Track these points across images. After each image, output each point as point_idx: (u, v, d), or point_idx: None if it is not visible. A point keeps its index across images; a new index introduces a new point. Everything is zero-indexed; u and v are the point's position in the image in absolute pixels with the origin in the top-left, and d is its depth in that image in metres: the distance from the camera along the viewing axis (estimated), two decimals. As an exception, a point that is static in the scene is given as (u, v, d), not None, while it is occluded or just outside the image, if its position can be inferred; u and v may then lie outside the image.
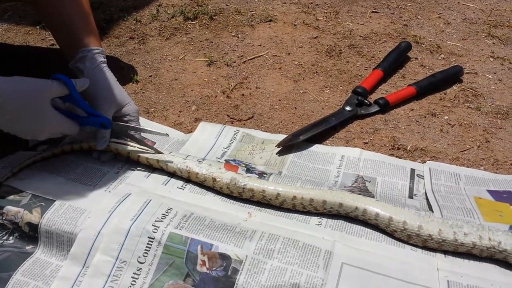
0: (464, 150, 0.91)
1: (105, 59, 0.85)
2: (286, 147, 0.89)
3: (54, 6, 0.85)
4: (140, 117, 0.97)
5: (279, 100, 1.05)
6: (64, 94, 0.74)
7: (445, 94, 1.06)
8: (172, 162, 0.77)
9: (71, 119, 0.75)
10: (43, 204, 0.70)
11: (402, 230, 0.66)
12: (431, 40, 1.26)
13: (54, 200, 0.71)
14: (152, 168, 0.79)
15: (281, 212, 0.72)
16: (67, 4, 0.85)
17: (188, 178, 0.77)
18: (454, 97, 1.05)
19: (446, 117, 0.99)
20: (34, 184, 0.74)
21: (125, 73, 1.12)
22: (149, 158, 0.78)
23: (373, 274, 0.61)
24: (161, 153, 0.79)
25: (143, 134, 0.91)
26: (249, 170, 0.80)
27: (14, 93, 0.67)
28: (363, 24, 1.35)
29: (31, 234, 0.69)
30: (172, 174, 0.78)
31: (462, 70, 1.10)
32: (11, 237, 0.71)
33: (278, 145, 0.89)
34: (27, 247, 0.69)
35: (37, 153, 0.81)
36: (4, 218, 0.71)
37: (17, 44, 1.26)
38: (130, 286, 0.63)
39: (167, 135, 0.79)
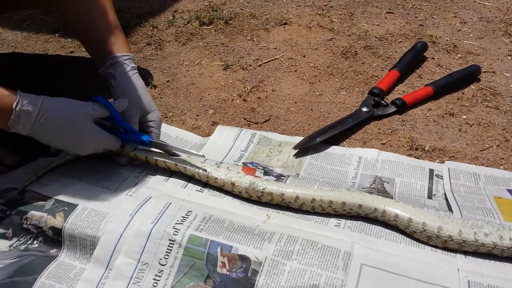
0: (483, 150, 0.90)
1: (136, 65, 0.87)
2: (303, 149, 0.90)
3: (80, 15, 0.87)
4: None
5: (295, 102, 1.06)
6: (105, 116, 0.77)
7: (462, 93, 1.06)
8: (191, 166, 0.78)
9: (113, 135, 0.78)
10: (66, 208, 0.72)
11: (421, 231, 0.66)
12: (447, 40, 1.25)
13: (77, 205, 0.72)
14: (170, 171, 0.80)
15: (299, 214, 0.73)
16: (94, 13, 0.87)
17: (207, 183, 0.78)
18: (472, 96, 1.04)
19: (464, 117, 0.99)
20: (57, 189, 0.76)
21: (143, 79, 1.12)
22: (167, 161, 0.79)
23: (393, 275, 0.61)
24: (202, 156, 0.79)
25: (161, 137, 0.93)
26: (266, 172, 0.81)
27: (59, 113, 0.71)
28: (378, 25, 1.34)
29: (55, 238, 0.71)
30: (191, 178, 0.79)
31: (479, 69, 1.10)
32: (35, 241, 0.72)
33: (295, 147, 0.89)
34: (51, 251, 0.71)
35: (60, 158, 0.83)
36: (28, 223, 0.72)
37: (37, 53, 1.29)
38: (152, 288, 0.64)
39: (203, 156, 0.79)
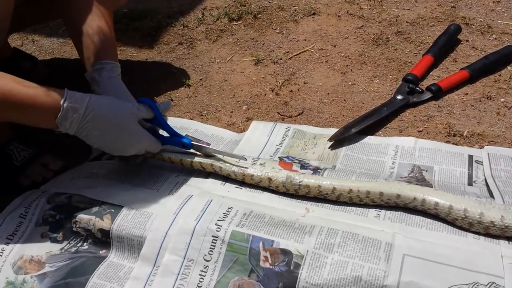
0: (524, 133, 0.88)
1: (120, 73, 0.88)
2: (338, 141, 0.90)
3: (80, 22, 0.89)
4: (193, 121, 1.01)
5: (328, 93, 1.06)
6: (150, 117, 0.79)
7: (499, 75, 1.03)
8: (226, 165, 0.79)
9: (156, 137, 0.80)
10: (113, 210, 0.75)
11: (463, 218, 0.65)
12: (481, 21, 1.22)
13: (122, 206, 0.75)
14: (207, 172, 0.82)
15: (338, 206, 0.73)
16: (91, 21, 0.88)
17: (243, 181, 0.79)
18: (510, 78, 1.02)
19: (502, 100, 0.97)
20: (102, 192, 0.79)
21: (177, 78, 1.16)
22: (202, 162, 0.80)
23: (436, 264, 0.61)
24: (245, 159, 0.80)
25: (197, 135, 0.95)
26: (303, 166, 0.81)
27: (106, 110, 0.73)
28: (409, 9, 1.32)
29: (103, 240, 0.74)
30: (227, 178, 0.80)
31: (516, 50, 1.07)
32: (85, 243, 0.76)
33: (330, 139, 0.90)
34: (100, 252, 0.74)
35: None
36: (77, 226, 0.76)
37: (74, 58, 1.33)
38: (199, 283, 0.66)
39: (244, 158, 0.80)
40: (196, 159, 0.80)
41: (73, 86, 0.73)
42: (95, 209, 0.76)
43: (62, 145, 0.95)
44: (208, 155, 0.81)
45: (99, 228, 0.74)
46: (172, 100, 1.10)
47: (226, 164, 0.79)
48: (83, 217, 0.76)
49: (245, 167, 0.78)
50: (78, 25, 0.88)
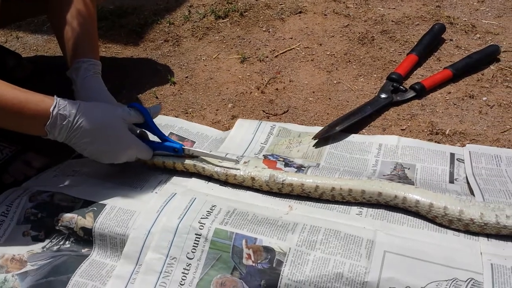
0: (505, 131, 0.89)
1: (99, 70, 0.86)
2: (323, 139, 0.90)
3: (60, 17, 0.88)
4: (179, 118, 1.01)
5: (313, 92, 1.06)
6: (140, 122, 0.79)
7: (482, 74, 1.04)
8: (209, 165, 0.79)
9: (146, 143, 0.79)
10: (95, 209, 0.75)
11: (443, 215, 0.66)
12: (465, 20, 1.24)
13: (105, 204, 0.75)
14: (190, 173, 0.81)
15: (321, 204, 0.74)
16: (73, 18, 0.87)
17: (226, 181, 0.79)
18: (492, 77, 1.03)
19: (484, 98, 0.98)
20: (85, 190, 0.79)
21: (163, 76, 1.16)
22: (185, 163, 0.80)
23: (416, 260, 0.62)
24: (237, 162, 0.79)
25: (182, 133, 0.95)
26: (287, 164, 0.82)
27: (95, 117, 0.72)
28: (394, 8, 1.33)
29: (86, 238, 0.74)
30: (210, 178, 0.80)
31: (499, 49, 1.08)
32: (67, 242, 0.75)
33: (314, 137, 0.90)
34: (83, 250, 0.74)
35: None
36: (59, 224, 0.75)
37: (58, 55, 1.32)
38: (181, 281, 0.66)
39: (237, 161, 0.79)
40: (179, 160, 0.80)
41: (57, 83, 0.73)
42: (77, 207, 0.76)
43: (45, 142, 0.94)
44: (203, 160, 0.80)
45: (81, 226, 0.73)
46: (157, 97, 1.09)
47: (209, 164, 0.79)
48: (65, 215, 0.75)
49: (224, 168, 0.77)
50: (60, 14, 0.87)
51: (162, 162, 0.81)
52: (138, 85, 1.14)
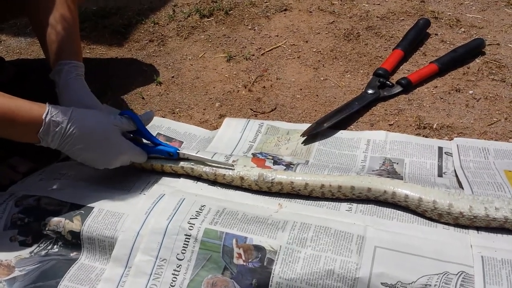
0: (492, 124, 0.90)
1: (82, 72, 0.85)
2: (311, 136, 0.90)
3: (42, 19, 0.86)
4: (165, 118, 1.00)
5: (301, 89, 1.06)
6: (132, 129, 0.78)
7: (468, 68, 1.05)
8: (198, 166, 0.78)
9: (140, 147, 0.78)
10: (83, 212, 0.73)
11: (432, 209, 0.66)
12: (450, 14, 1.24)
13: (93, 207, 0.74)
14: (178, 174, 0.80)
15: (311, 201, 0.73)
16: (55, 21, 0.86)
17: (215, 180, 0.78)
18: (478, 70, 1.04)
19: (471, 92, 0.98)
20: (72, 193, 0.78)
21: (148, 76, 1.15)
22: (173, 166, 0.79)
23: (407, 255, 0.62)
24: (232, 166, 0.78)
25: (169, 133, 0.94)
26: (276, 162, 0.81)
27: (89, 123, 0.72)
28: (379, 4, 1.33)
29: (74, 242, 0.72)
30: (199, 178, 0.79)
31: (483, 42, 1.09)
32: (55, 246, 0.74)
33: (303, 135, 0.90)
34: (71, 254, 0.73)
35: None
36: (47, 228, 0.74)
37: (41, 58, 1.30)
38: (172, 283, 0.65)
39: (232, 166, 0.77)
40: (169, 163, 0.79)
41: (40, 86, 0.72)
42: (64, 210, 0.75)
43: (30, 146, 0.92)
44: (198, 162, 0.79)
45: (69, 230, 0.72)
46: (143, 98, 1.08)
47: (197, 165, 0.78)
48: (52, 219, 0.74)
49: (236, 170, 0.76)
50: (42, 17, 0.86)
51: (150, 165, 0.80)
52: (123, 86, 1.13)
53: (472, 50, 1.08)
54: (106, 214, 0.72)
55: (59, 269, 0.70)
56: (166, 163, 0.79)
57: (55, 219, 0.74)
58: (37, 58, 1.30)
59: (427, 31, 1.17)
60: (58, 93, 0.81)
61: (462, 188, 0.72)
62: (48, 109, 0.69)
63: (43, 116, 0.68)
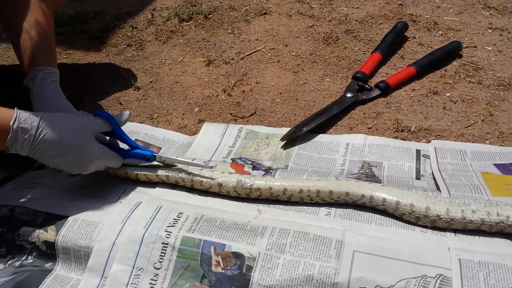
0: (469, 126, 0.91)
1: (57, 78, 0.83)
2: (291, 140, 0.90)
3: (16, 25, 0.85)
4: (144, 124, 0.99)
5: (280, 93, 1.06)
6: (107, 130, 0.76)
7: (445, 71, 1.06)
8: (174, 172, 0.77)
9: (115, 152, 0.77)
10: (57, 221, 0.72)
11: (410, 212, 0.66)
12: (427, 17, 1.25)
13: (68, 217, 0.72)
14: (153, 183, 0.79)
15: (290, 206, 0.73)
16: (30, 27, 0.85)
17: (192, 187, 0.77)
18: (455, 73, 1.05)
19: (448, 94, 0.99)
20: (46, 203, 0.76)
21: (126, 81, 1.14)
22: (148, 174, 0.78)
23: (385, 259, 0.62)
24: (211, 167, 0.77)
25: (147, 139, 0.93)
26: (255, 167, 0.81)
27: (59, 128, 0.69)
28: (358, 7, 1.34)
29: (48, 252, 0.71)
30: (175, 185, 0.78)
31: (461, 45, 1.10)
32: (29, 257, 0.72)
33: (282, 139, 0.90)
34: (46, 265, 0.71)
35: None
36: (21, 239, 0.72)
37: (17, 63, 1.28)
38: (149, 292, 0.64)
39: (210, 167, 0.77)
40: (143, 171, 0.78)
41: (15, 93, 0.70)
42: (39, 220, 0.73)
43: (4, 154, 0.90)
44: (171, 165, 0.78)
45: (43, 240, 0.71)
46: (121, 103, 1.07)
47: (173, 171, 0.77)
48: (26, 229, 0.72)
49: (211, 178, 0.75)
50: (16, 23, 0.84)
51: (125, 173, 0.79)
52: (101, 91, 1.11)
53: (450, 53, 1.09)
54: (81, 224, 0.71)
55: (34, 280, 0.69)
56: (140, 171, 0.78)
57: (29, 229, 0.72)
58: (13, 64, 1.28)
59: (405, 34, 1.18)
60: (32, 100, 0.80)
61: (440, 191, 0.73)
62: (16, 115, 0.67)
63: (11, 123, 0.66)
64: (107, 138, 0.78)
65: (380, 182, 0.76)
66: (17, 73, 1.14)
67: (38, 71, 0.81)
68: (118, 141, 0.79)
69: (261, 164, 0.83)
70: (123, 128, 0.79)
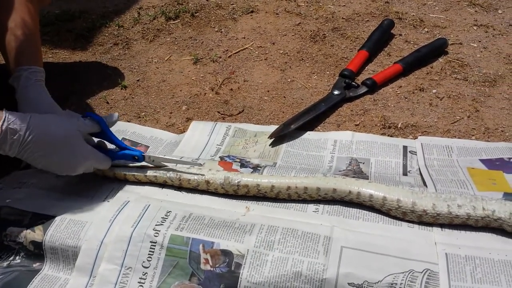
0: (455, 122, 0.92)
1: (42, 78, 0.83)
2: (279, 138, 0.90)
3: (3, 26, 0.84)
4: (131, 123, 0.98)
5: (268, 91, 1.06)
6: (96, 131, 0.76)
7: (431, 67, 1.07)
8: (161, 172, 0.77)
9: (104, 153, 0.76)
10: (45, 221, 0.71)
11: (396, 208, 0.67)
12: (413, 15, 1.26)
13: (55, 216, 0.72)
14: (142, 183, 0.79)
15: (278, 203, 0.73)
16: (16, 26, 0.84)
17: (180, 186, 0.77)
18: (441, 69, 1.06)
19: (434, 91, 1.00)
20: (33, 203, 0.75)
21: (113, 80, 1.13)
22: (136, 174, 0.78)
23: (373, 254, 0.62)
24: (200, 165, 0.77)
25: (135, 138, 0.93)
26: (243, 165, 0.81)
27: (48, 129, 0.69)
28: (344, 5, 1.35)
29: (36, 252, 0.70)
30: (163, 185, 0.78)
31: (446, 42, 1.11)
32: (17, 257, 0.72)
33: (270, 136, 0.90)
34: (34, 265, 0.71)
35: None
36: (8, 239, 0.72)
37: (2, 63, 1.27)
38: (138, 291, 0.64)
39: (200, 164, 0.77)
40: (131, 171, 0.78)
41: (1, 92, 0.69)
42: (26, 220, 0.72)
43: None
44: (161, 166, 0.78)
45: (31, 240, 0.70)
46: (108, 102, 1.06)
47: (161, 171, 0.77)
48: (13, 229, 0.72)
49: (201, 174, 0.75)
50: (1, 22, 0.83)
51: (113, 173, 0.79)
52: (87, 90, 1.10)
53: (436, 50, 1.10)
54: (69, 223, 0.70)
55: (22, 280, 0.68)
56: (128, 172, 0.78)
57: (16, 229, 0.72)
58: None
59: (392, 31, 1.19)
60: (17, 100, 0.79)
61: (426, 186, 0.73)
62: (5, 116, 0.66)
63: (0, 124, 0.66)
64: (95, 140, 0.78)
65: (368, 179, 0.76)
66: (2, 72, 1.13)
67: (23, 71, 0.80)
68: (106, 142, 0.79)
69: (249, 162, 0.83)
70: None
